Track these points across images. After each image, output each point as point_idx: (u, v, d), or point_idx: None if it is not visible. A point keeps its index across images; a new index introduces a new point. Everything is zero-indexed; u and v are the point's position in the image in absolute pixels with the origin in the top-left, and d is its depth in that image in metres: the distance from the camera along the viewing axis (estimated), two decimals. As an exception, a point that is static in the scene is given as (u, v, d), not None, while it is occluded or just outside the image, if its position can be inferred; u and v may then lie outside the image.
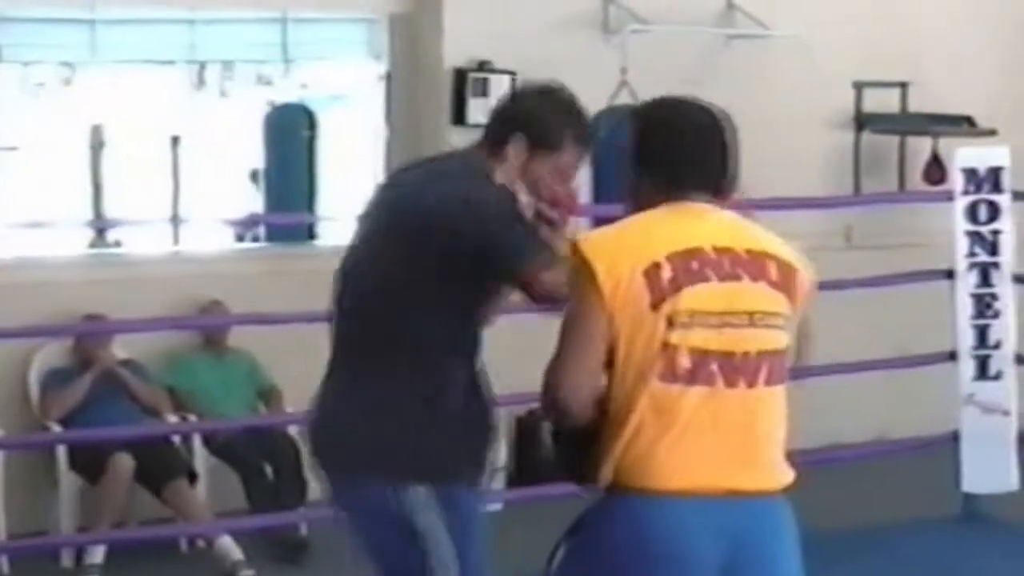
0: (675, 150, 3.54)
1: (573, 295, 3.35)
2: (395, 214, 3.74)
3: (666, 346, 3.27)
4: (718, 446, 3.32)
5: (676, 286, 3.28)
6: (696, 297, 3.29)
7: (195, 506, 6.69)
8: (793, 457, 4.07)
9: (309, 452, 3.89)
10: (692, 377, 3.28)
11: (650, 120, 3.67)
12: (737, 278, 3.35)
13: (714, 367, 3.29)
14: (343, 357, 3.81)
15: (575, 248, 3.35)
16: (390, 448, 3.73)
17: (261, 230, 7.98)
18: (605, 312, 3.28)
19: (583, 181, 7.19)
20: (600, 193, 6.94)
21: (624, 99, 7.36)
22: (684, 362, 3.28)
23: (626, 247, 3.34)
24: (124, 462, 6.56)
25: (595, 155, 6.99)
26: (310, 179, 7.85)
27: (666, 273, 3.29)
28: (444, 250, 3.64)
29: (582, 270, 3.31)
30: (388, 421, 3.73)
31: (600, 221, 6.15)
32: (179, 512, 6.67)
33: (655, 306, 3.27)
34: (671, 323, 3.27)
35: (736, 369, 3.32)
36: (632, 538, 3.34)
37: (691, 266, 3.31)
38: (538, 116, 3.85)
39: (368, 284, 3.75)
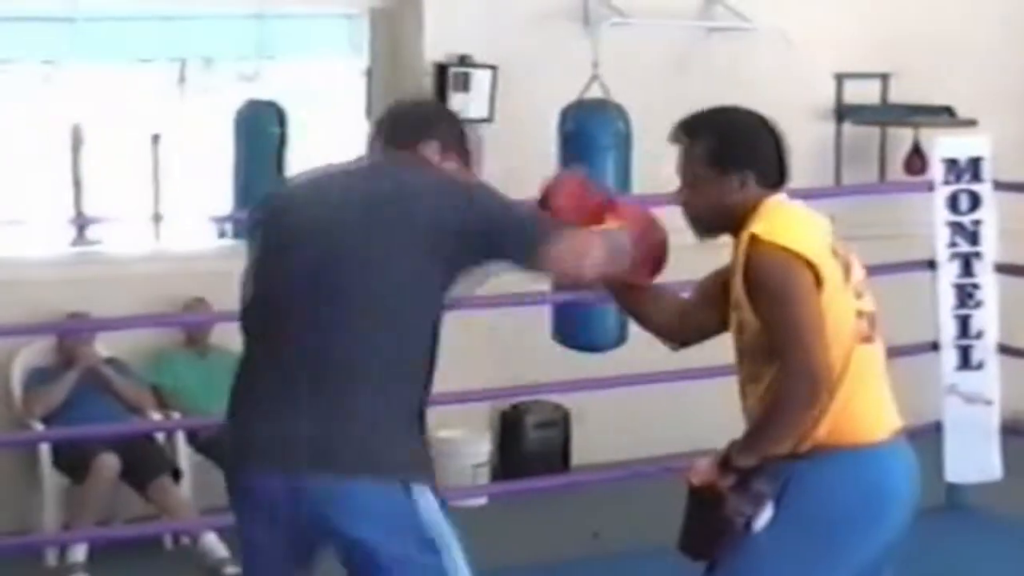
0: (778, 150, 3.94)
1: (797, 291, 3.66)
2: (394, 219, 3.60)
3: (859, 314, 3.77)
4: (885, 392, 3.84)
5: (844, 262, 3.80)
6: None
7: (179, 503, 6.69)
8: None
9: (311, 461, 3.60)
10: (870, 337, 3.79)
11: (749, 123, 3.96)
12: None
13: (868, 326, 3.80)
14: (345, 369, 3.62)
15: (783, 249, 3.66)
16: (405, 450, 3.68)
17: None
18: (823, 299, 3.67)
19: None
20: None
21: (595, 93, 7.36)
22: (865, 326, 3.78)
23: (814, 238, 3.78)
24: (109, 462, 6.56)
25: (563, 148, 7.06)
26: (279, 176, 7.85)
27: (837, 252, 3.79)
28: (454, 248, 3.62)
29: (797, 266, 3.66)
30: (402, 427, 3.67)
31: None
32: (163, 510, 6.67)
33: (845, 281, 3.76)
34: (857, 294, 3.80)
35: (874, 327, 3.82)
36: (865, 488, 3.74)
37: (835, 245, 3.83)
38: (446, 122, 3.97)
39: (385, 295, 3.60)
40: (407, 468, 3.63)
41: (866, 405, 3.75)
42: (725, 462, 3.69)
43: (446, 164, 3.82)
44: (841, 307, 3.71)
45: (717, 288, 3.92)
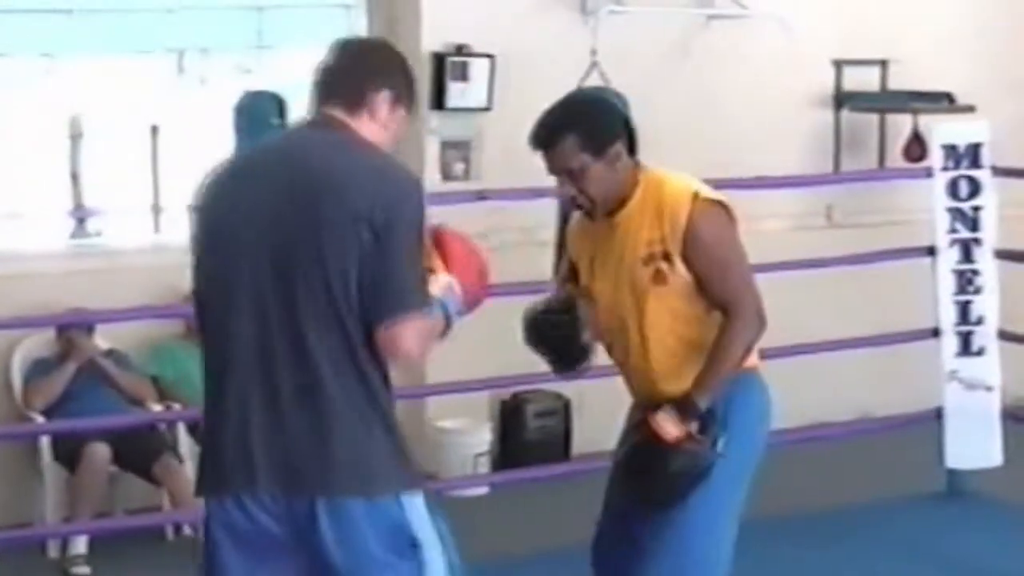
0: (626, 119, 4.33)
1: (734, 237, 4.14)
2: (320, 193, 3.36)
3: None
4: None
5: None
6: None
7: (187, 482, 6.64)
8: (776, 436, 4.16)
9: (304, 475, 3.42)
10: None
11: (596, 104, 4.48)
12: None
13: None
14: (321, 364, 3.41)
15: (723, 204, 4.12)
16: (392, 457, 3.48)
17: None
18: None
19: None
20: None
21: (595, 81, 7.37)
22: None
23: None
24: (100, 451, 6.56)
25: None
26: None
27: None
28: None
29: (734, 220, 4.14)
30: (377, 431, 3.45)
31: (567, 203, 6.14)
32: (171, 490, 6.65)
33: None
34: None
35: None
36: (767, 401, 4.31)
37: None
38: (400, 69, 3.64)
39: (327, 277, 3.36)
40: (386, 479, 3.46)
41: None
42: (686, 409, 4.05)
43: (395, 115, 3.57)
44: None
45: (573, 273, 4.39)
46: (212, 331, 3.52)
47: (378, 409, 3.45)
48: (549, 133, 4.16)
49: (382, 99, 3.55)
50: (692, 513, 4.11)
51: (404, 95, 3.61)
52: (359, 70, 3.59)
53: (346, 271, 3.35)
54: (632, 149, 4.22)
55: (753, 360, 4.23)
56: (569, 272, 4.43)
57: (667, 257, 4.09)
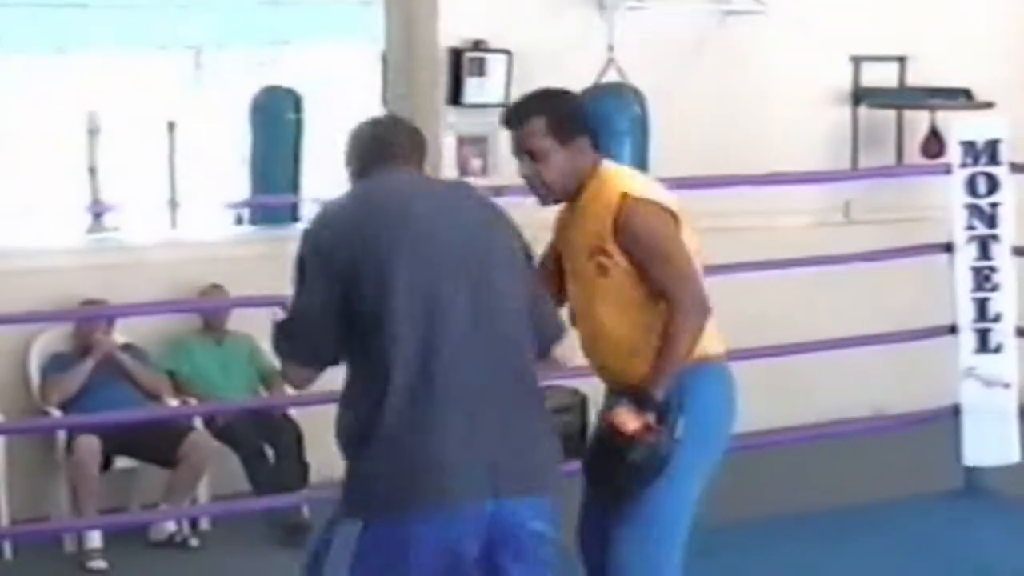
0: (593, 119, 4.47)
1: (666, 229, 4.22)
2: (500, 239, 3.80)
3: (696, 253, 4.28)
4: None
5: (681, 211, 4.31)
6: None
7: (213, 455, 6.65)
8: (793, 433, 4.14)
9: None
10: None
11: (570, 97, 4.45)
12: None
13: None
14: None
15: (652, 203, 4.22)
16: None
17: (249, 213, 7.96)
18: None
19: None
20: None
21: (612, 77, 7.37)
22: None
23: (664, 192, 4.31)
24: (86, 444, 6.55)
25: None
26: (295, 162, 7.85)
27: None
28: None
29: (666, 216, 4.24)
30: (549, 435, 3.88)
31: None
32: (199, 463, 6.67)
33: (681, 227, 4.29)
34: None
35: None
36: (730, 392, 4.39)
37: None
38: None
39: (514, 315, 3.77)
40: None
41: (714, 329, 4.30)
42: (643, 401, 4.13)
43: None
44: (692, 248, 4.28)
45: (554, 260, 4.46)
46: (406, 346, 3.61)
47: (547, 414, 3.88)
48: (520, 113, 4.32)
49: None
50: (652, 501, 4.21)
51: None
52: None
53: (521, 290, 3.77)
54: (596, 146, 4.35)
55: (716, 350, 4.34)
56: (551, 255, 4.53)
57: (604, 252, 4.23)
